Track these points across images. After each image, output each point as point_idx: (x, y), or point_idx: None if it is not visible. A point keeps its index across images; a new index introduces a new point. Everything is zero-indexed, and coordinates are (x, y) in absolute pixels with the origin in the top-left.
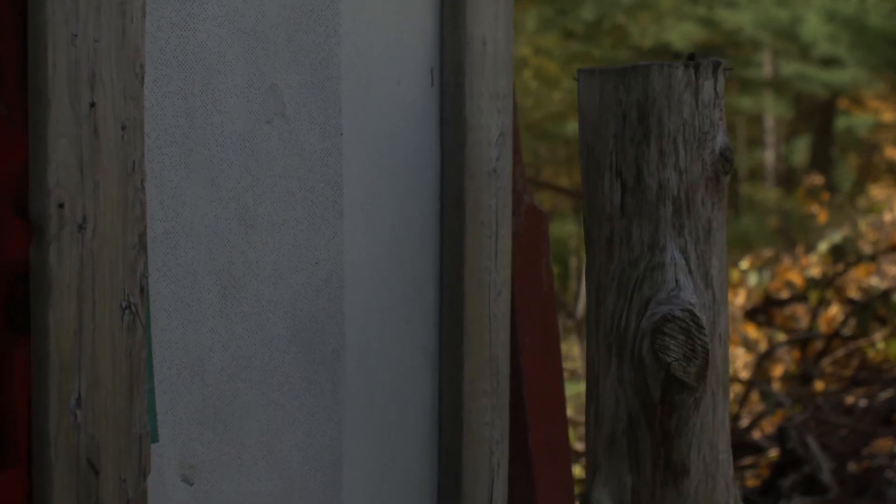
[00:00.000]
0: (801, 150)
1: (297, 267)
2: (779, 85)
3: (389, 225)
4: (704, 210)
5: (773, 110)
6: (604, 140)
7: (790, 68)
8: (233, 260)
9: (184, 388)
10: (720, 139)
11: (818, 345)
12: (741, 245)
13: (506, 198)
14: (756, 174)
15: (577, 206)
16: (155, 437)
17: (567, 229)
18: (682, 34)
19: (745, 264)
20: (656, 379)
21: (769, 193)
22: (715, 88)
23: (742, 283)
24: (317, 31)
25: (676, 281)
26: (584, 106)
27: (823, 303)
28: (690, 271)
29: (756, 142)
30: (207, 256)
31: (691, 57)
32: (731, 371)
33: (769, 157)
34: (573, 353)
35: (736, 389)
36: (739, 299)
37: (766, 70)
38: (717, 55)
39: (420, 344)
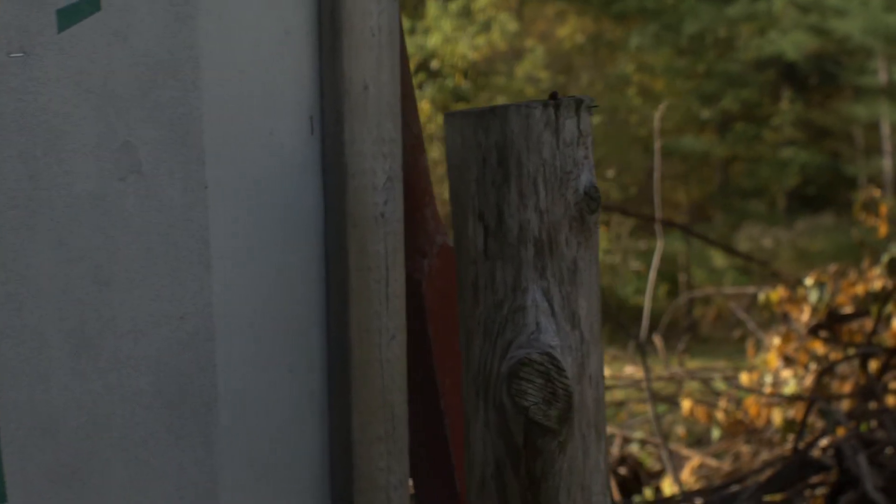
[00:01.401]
0: None
1: (160, 322)
2: (893, 91)
3: (267, 275)
4: (569, 250)
5: (889, 117)
6: (466, 183)
7: None
8: (85, 318)
9: (35, 449)
10: (585, 178)
11: (883, 359)
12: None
13: (397, 242)
14: (874, 182)
15: (692, 221)
16: (2, 498)
17: (675, 246)
18: (793, 43)
19: (808, 281)
20: (518, 423)
21: (888, 202)
22: (578, 127)
23: (805, 299)
24: (174, 86)
25: (537, 324)
26: (449, 149)
27: (884, 317)
28: (553, 313)
29: (874, 149)
30: (56, 316)
31: (553, 96)
32: (799, 389)
33: (887, 164)
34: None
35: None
36: (804, 316)
37: (881, 77)
38: (831, 64)
39: (306, 392)
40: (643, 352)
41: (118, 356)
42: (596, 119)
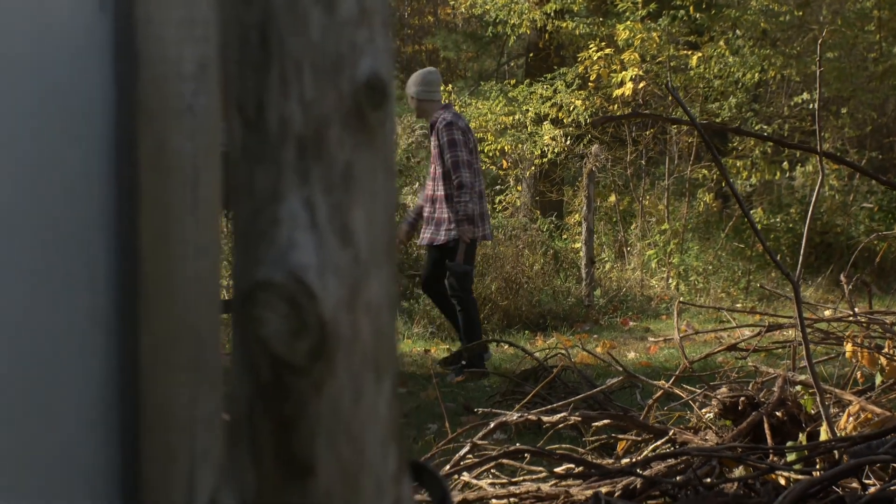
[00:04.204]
0: None
1: None
2: None
3: (30, 171)
4: (342, 152)
5: None
6: (228, 67)
7: None
8: None
9: None
10: (366, 64)
11: None
12: None
13: (211, 140)
14: None
15: None
16: None
17: None
18: None
19: None
20: (263, 357)
21: None
22: (360, 3)
23: None
24: None
25: (290, 239)
26: (219, 27)
27: None
28: (316, 226)
29: None
30: None
31: None
32: None
33: None
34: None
35: None
36: None
37: None
38: None
39: (85, 307)
40: (797, 291)
41: None
42: (831, 54)
